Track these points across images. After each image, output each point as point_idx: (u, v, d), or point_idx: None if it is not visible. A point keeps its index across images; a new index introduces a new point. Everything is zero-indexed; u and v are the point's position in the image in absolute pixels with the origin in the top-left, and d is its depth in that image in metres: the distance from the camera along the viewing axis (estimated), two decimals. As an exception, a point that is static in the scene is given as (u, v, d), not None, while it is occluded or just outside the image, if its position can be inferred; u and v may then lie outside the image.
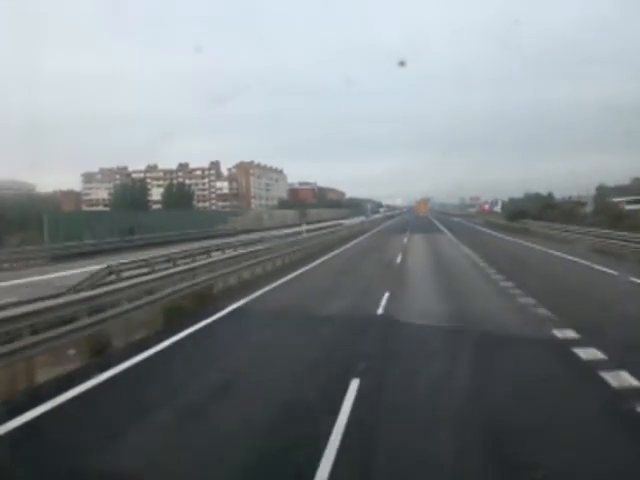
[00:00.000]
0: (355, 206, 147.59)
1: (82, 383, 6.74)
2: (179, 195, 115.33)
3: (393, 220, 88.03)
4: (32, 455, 4.94)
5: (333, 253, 26.07)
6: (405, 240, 34.68)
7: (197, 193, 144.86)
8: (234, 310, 11.95)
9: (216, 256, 19.70)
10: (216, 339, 9.71)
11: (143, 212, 65.07)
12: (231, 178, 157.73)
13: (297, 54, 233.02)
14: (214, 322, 10.72)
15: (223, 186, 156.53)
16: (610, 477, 4.48)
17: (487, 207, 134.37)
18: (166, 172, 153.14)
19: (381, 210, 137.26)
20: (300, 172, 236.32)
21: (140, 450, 5.08)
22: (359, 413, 5.65)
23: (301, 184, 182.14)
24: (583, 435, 5.25)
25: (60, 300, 8.28)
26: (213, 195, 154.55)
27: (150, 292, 10.44)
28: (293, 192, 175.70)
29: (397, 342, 9.03)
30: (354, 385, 6.47)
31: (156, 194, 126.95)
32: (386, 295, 13.06)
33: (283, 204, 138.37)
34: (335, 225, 46.60)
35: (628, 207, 48.19)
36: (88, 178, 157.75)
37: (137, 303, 9.71)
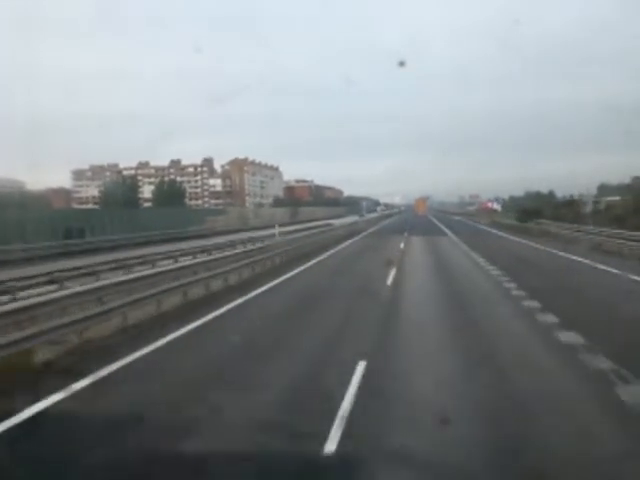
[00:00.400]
0: (352, 204, 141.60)
1: None
2: (170, 193, 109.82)
3: (390, 220, 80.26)
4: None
5: (303, 267, 19.02)
6: (402, 245, 27.74)
7: (189, 191, 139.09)
8: None
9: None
10: None
11: (118, 210, 59.13)
12: (224, 175, 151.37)
13: (296, 54, 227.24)
14: None
15: (216, 183, 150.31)
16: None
17: (490, 205, 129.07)
18: (158, 169, 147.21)
19: (378, 209, 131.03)
20: (298, 171, 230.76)
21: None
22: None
23: (297, 182, 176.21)
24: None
25: None
26: (206, 193, 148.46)
27: None
28: (289, 190, 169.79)
29: None
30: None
31: (148, 192, 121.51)
32: (359, 371, 6.66)
33: (278, 202, 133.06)
34: (323, 226, 40.26)
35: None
36: (78, 175, 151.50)
37: None
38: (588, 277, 16.28)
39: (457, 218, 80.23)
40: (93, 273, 14.91)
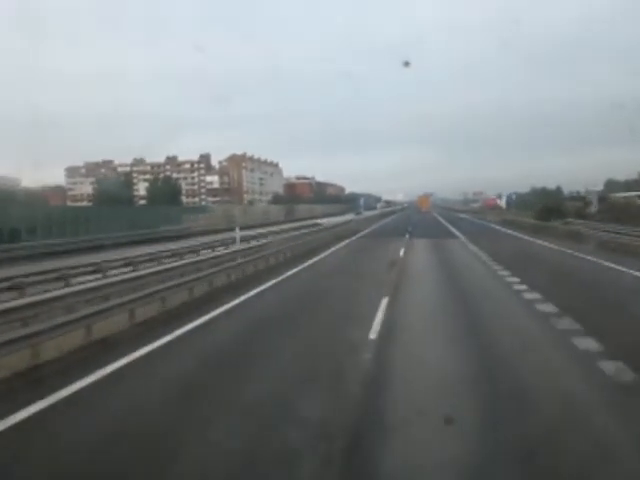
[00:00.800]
0: (354, 201, 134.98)
1: None
2: (165, 190, 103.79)
3: (391, 218, 71.21)
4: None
5: (247, 295, 12.01)
6: (401, 253, 20.62)
7: (186, 188, 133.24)
8: None
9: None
10: None
11: (110, 208, 53.13)
12: (222, 172, 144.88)
13: (297, 49, 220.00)
14: None
15: (213, 180, 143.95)
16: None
17: (494, 202, 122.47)
18: (153, 166, 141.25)
19: (378, 205, 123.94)
20: (299, 167, 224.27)
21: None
22: None
23: (298, 178, 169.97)
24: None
25: None
26: (203, 190, 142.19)
27: None
28: (289, 187, 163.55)
29: None
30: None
31: (143, 189, 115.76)
32: None
33: (278, 199, 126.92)
34: (308, 226, 33.45)
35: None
36: (72, 172, 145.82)
37: None
38: None
39: (463, 216, 73.07)
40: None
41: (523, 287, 12.23)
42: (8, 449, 4.44)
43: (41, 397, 5.33)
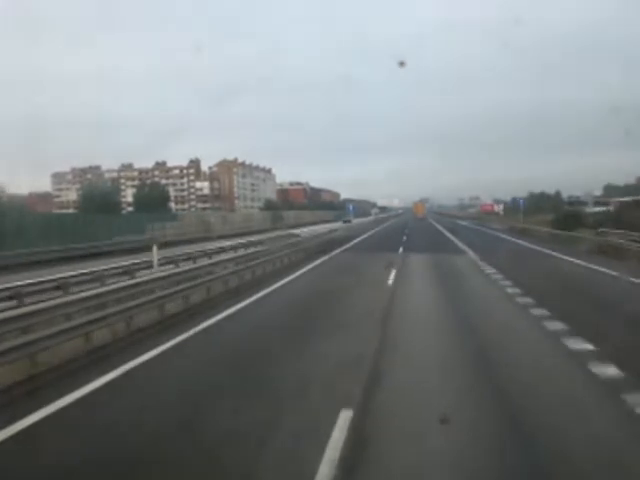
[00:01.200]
0: (354, 208, 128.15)
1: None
2: (152, 196, 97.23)
3: (384, 226, 61.20)
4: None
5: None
6: (390, 281, 13.83)
7: (175, 194, 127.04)
8: None
9: None
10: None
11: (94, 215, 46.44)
12: (212, 177, 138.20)
13: (293, 52, 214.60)
14: None
15: (203, 186, 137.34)
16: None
17: (491, 207, 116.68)
18: (142, 171, 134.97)
19: (372, 212, 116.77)
20: (294, 173, 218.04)
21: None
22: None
23: (292, 184, 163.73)
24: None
25: None
26: (193, 196, 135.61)
27: None
28: (282, 193, 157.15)
29: None
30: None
31: (131, 195, 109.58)
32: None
33: (270, 205, 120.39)
34: (280, 238, 26.46)
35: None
36: (58, 179, 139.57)
37: None
38: None
39: (464, 223, 65.67)
40: None
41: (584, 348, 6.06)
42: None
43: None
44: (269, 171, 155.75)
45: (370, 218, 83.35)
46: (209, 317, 9.49)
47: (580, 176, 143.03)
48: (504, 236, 35.56)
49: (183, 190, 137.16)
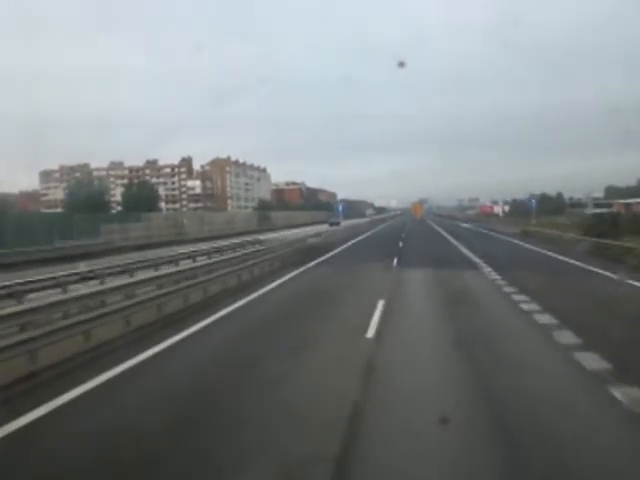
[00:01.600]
0: (347, 208, 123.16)
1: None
2: (140, 195, 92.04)
3: (379, 228, 54.15)
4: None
5: None
6: (375, 317, 8.53)
7: (166, 193, 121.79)
8: None
9: None
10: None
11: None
12: (204, 176, 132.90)
13: (294, 53, 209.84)
14: None
15: (195, 185, 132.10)
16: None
17: (492, 209, 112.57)
18: (132, 169, 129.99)
19: (367, 213, 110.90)
20: (290, 173, 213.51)
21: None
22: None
23: (287, 184, 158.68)
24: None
25: None
26: (184, 195, 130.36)
27: None
28: (277, 192, 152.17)
29: None
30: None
31: (120, 194, 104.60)
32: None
33: (264, 205, 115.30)
34: (252, 243, 20.76)
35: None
36: (46, 177, 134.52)
37: None
38: None
39: (466, 225, 59.54)
40: None
41: None
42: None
43: None
44: (264, 170, 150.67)
45: (365, 220, 77.34)
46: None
47: (580, 178, 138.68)
48: (518, 242, 29.38)
49: (174, 189, 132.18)
